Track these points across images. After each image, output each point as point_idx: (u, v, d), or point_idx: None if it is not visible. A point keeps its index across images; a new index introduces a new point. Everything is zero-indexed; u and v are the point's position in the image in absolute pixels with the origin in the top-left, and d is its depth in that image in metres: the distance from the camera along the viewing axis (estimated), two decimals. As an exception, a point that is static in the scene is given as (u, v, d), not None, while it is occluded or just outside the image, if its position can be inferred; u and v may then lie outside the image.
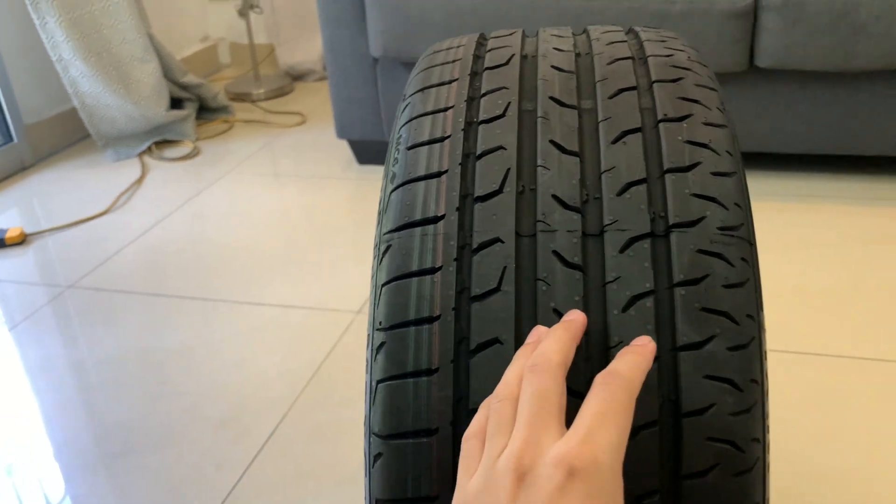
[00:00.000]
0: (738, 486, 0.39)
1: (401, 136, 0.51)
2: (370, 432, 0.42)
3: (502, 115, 0.49)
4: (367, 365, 0.45)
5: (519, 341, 0.41)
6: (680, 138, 0.46)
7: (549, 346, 0.39)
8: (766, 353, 0.43)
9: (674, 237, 0.42)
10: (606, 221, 0.43)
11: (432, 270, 0.43)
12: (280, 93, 2.71)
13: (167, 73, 2.35)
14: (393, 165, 0.49)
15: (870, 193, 1.79)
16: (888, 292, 1.41)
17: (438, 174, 0.46)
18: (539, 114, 0.49)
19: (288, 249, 1.70)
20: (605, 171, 0.45)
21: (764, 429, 0.41)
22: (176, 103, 2.41)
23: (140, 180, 2.09)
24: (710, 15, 1.66)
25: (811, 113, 1.78)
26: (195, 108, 2.45)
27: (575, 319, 0.42)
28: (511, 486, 0.35)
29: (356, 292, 1.50)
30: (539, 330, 0.42)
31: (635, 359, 0.40)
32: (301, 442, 1.13)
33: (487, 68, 0.54)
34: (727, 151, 0.46)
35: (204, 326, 1.43)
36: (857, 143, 1.81)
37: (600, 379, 0.38)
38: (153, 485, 1.07)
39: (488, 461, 0.37)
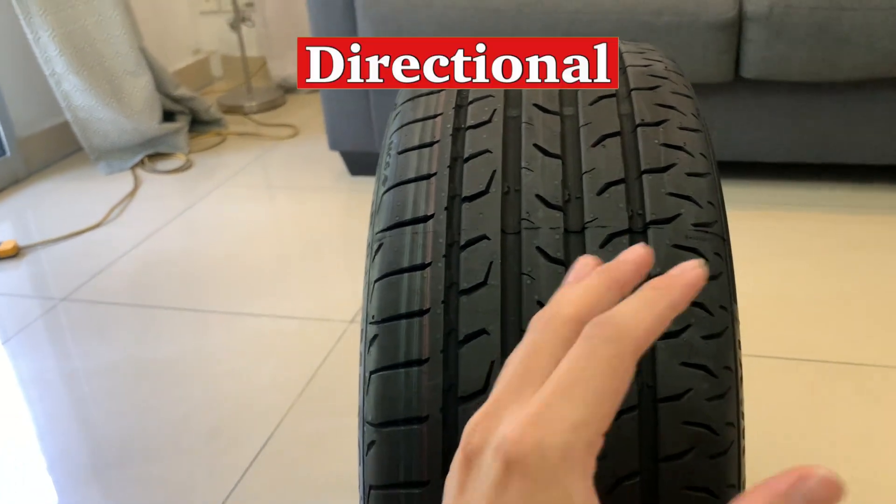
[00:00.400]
0: (714, 468, 0.41)
1: (392, 141, 0.53)
2: (364, 421, 0.44)
3: (488, 121, 0.51)
4: (360, 357, 0.47)
5: (504, 332, 0.43)
6: (656, 141, 0.48)
7: (566, 294, 0.31)
8: (739, 342, 0.45)
9: (651, 233, 0.45)
10: (587, 219, 0.46)
11: (422, 266, 0.45)
12: (272, 105, 2.73)
13: (159, 86, 2.37)
14: (385, 169, 0.51)
15: (853, 201, 1.82)
16: (872, 298, 1.44)
17: (428, 176, 0.49)
18: (523, 119, 0.51)
19: (280, 260, 1.72)
20: (585, 172, 0.47)
21: (738, 413, 0.43)
22: (168, 116, 2.42)
23: (133, 193, 2.11)
24: (696, 27, 1.69)
25: (796, 122, 1.82)
26: (187, 120, 2.46)
27: (626, 259, 0.32)
28: (459, 472, 0.28)
29: (349, 302, 1.51)
30: (581, 263, 0.33)
31: (651, 295, 0.29)
32: (294, 451, 1.14)
33: (474, 77, 0.56)
34: (701, 153, 0.48)
35: (197, 338, 1.44)
36: (841, 151, 1.84)
37: (585, 330, 0.28)
38: (147, 495, 1.08)
39: None
